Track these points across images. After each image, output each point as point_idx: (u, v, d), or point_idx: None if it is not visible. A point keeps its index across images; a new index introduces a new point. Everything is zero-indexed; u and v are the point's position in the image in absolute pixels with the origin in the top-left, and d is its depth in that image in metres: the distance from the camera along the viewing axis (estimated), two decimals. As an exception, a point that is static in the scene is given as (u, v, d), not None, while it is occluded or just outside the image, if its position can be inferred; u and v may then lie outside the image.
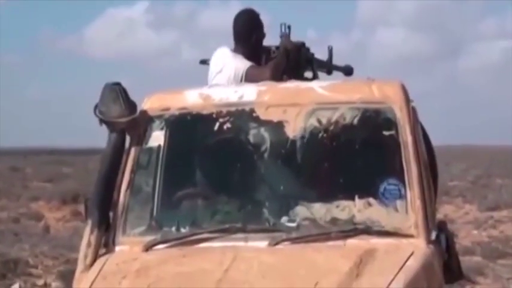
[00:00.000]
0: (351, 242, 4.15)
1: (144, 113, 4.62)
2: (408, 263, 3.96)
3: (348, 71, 5.58)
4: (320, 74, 5.42)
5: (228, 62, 5.17)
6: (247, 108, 4.56)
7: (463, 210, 21.82)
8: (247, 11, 5.35)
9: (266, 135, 4.50)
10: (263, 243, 4.16)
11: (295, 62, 5.08)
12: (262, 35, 5.30)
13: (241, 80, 5.06)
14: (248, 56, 5.18)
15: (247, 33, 5.24)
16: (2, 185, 25.16)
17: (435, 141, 5.10)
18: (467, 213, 21.36)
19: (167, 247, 4.29)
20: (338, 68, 5.53)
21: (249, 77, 5.00)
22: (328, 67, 5.46)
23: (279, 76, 4.89)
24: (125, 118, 4.49)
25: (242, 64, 5.11)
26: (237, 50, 5.24)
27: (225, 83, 5.09)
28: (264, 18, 5.35)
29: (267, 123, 4.50)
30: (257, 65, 5.12)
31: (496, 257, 14.53)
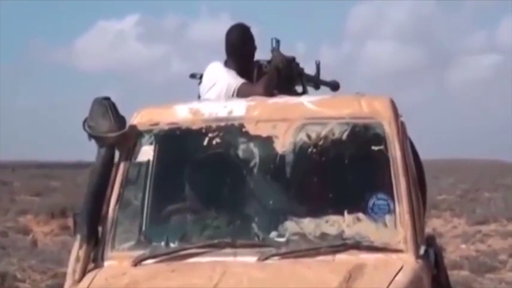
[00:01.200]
0: (340, 257, 4.15)
1: (133, 127, 4.62)
2: (397, 278, 3.96)
3: (334, 86, 5.60)
4: (308, 88, 5.43)
5: (221, 77, 5.18)
6: (236, 123, 4.56)
7: (451, 224, 21.83)
8: (238, 25, 5.37)
9: (255, 150, 4.50)
10: (252, 259, 4.16)
11: (286, 77, 5.10)
12: (254, 48, 5.33)
13: (232, 96, 5.07)
14: (240, 70, 5.19)
15: (240, 47, 5.27)
16: (-10, 199, 25.04)
17: (424, 155, 5.10)
18: (456, 227, 21.36)
19: (156, 262, 4.28)
20: (325, 83, 5.55)
21: (241, 94, 5.01)
22: (316, 82, 5.48)
23: (271, 93, 4.91)
24: (114, 133, 4.48)
25: (235, 80, 5.12)
26: (229, 63, 5.26)
27: (216, 97, 5.10)
28: (253, 30, 5.38)
29: (256, 138, 4.50)
30: (249, 81, 5.13)
31: (484, 271, 14.55)
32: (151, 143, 4.62)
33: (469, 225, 21.26)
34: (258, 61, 5.28)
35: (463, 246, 18.25)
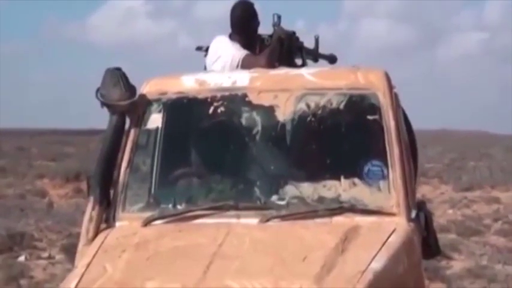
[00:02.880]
0: (337, 219, 4.13)
1: (143, 96, 4.59)
2: (390, 239, 3.95)
3: (332, 59, 5.56)
4: (308, 61, 5.40)
5: (226, 50, 5.15)
6: (240, 93, 4.53)
7: (439, 190, 21.86)
8: (243, 1, 5.33)
9: (258, 118, 4.47)
10: (254, 220, 4.14)
11: (287, 50, 5.07)
12: (257, 23, 5.31)
13: (237, 67, 5.04)
14: (244, 44, 5.17)
15: (244, 22, 5.23)
16: (9, 164, 25.09)
17: (414, 125, 5.09)
18: (443, 193, 21.40)
19: (164, 223, 4.27)
20: (323, 56, 5.52)
21: (245, 65, 4.98)
22: (315, 55, 5.44)
23: (273, 64, 4.88)
24: (125, 101, 4.45)
25: (239, 52, 5.09)
26: (234, 37, 5.22)
27: (221, 69, 5.07)
28: (256, 7, 5.35)
29: (258, 107, 4.48)
30: (252, 53, 5.10)
31: (470, 234, 14.58)
32: (159, 111, 4.59)
33: (456, 191, 21.31)
34: (260, 35, 5.25)
35: (450, 211, 18.28)
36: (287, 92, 4.48)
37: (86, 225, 4.35)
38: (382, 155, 4.30)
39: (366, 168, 4.29)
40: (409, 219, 4.19)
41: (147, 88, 4.64)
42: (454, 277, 11.21)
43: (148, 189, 4.54)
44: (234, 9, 5.28)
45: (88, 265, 3.95)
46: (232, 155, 4.50)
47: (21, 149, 33.08)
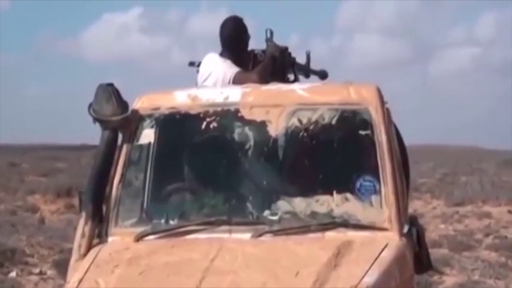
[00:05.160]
0: (330, 234, 4.14)
1: (135, 112, 4.60)
2: (382, 254, 3.96)
3: (323, 75, 5.57)
4: (300, 77, 5.41)
5: (217, 67, 5.15)
6: (232, 109, 4.54)
7: (431, 205, 21.87)
8: (232, 18, 5.34)
9: (250, 134, 4.48)
10: (247, 235, 4.14)
11: (279, 66, 5.09)
12: (248, 37, 5.31)
13: (229, 84, 5.04)
14: (235, 60, 5.17)
15: (234, 39, 5.24)
16: (0, 179, 25.01)
17: (406, 140, 5.10)
18: (435, 208, 21.41)
19: (157, 238, 4.27)
20: (314, 72, 5.52)
21: (237, 82, 4.99)
22: (306, 71, 5.45)
23: (265, 81, 4.89)
24: (117, 117, 4.46)
25: (231, 69, 5.10)
26: (224, 54, 5.23)
27: (213, 85, 5.08)
28: (249, 23, 5.36)
29: (251, 123, 4.49)
30: (244, 70, 5.11)
31: (461, 249, 14.56)
32: (152, 127, 4.59)
33: (448, 206, 21.31)
34: (253, 50, 5.26)
35: (442, 226, 18.28)
36: (279, 107, 4.49)
37: (79, 241, 4.34)
38: (374, 170, 4.31)
39: (358, 184, 4.30)
40: (401, 234, 4.19)
41: (140, 103, 4.65)
42: (446, 292, 11.20)
43: (140, 204, 4.54)
44: (223, 26, 5.29)
45: (80, 280, 3.94)
46: (224, 170, 4.50)
47: (13, 165, 33.00)
